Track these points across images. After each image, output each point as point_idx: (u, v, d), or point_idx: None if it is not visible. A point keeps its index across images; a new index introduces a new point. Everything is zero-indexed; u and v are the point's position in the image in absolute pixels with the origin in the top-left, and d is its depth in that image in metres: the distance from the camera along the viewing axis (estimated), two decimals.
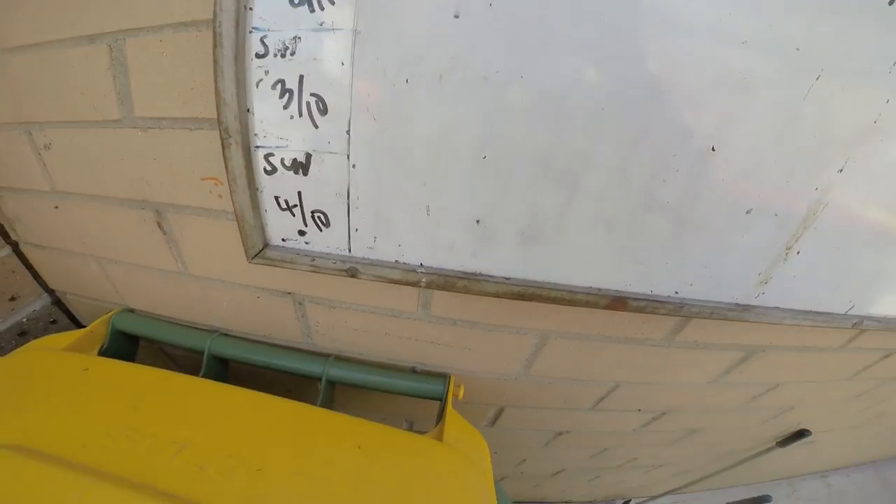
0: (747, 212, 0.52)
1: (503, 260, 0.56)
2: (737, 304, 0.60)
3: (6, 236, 0.90)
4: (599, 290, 0.58)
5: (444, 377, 0.82)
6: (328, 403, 0.81)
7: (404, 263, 0.58)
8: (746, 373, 0.88)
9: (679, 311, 0.59)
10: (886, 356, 0.93)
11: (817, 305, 0.63)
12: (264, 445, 0.65)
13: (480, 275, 0.57)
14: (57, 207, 0.78)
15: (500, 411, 1.02)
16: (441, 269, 0.58)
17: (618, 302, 0.57)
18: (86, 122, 0.64)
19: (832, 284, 0.61)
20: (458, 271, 0.57)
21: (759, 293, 0.60)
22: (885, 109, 0.45)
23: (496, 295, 0.58)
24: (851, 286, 0.62)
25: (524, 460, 1.45)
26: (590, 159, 0.48)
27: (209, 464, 0.60)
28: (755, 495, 1.67)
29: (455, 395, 0.80)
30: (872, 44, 0.42)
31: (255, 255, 0.59)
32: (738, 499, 1.75)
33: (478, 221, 0.53)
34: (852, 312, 0.65)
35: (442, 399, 0.79)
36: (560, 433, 1.16)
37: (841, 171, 0.49)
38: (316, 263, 0.59)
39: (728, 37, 0.41)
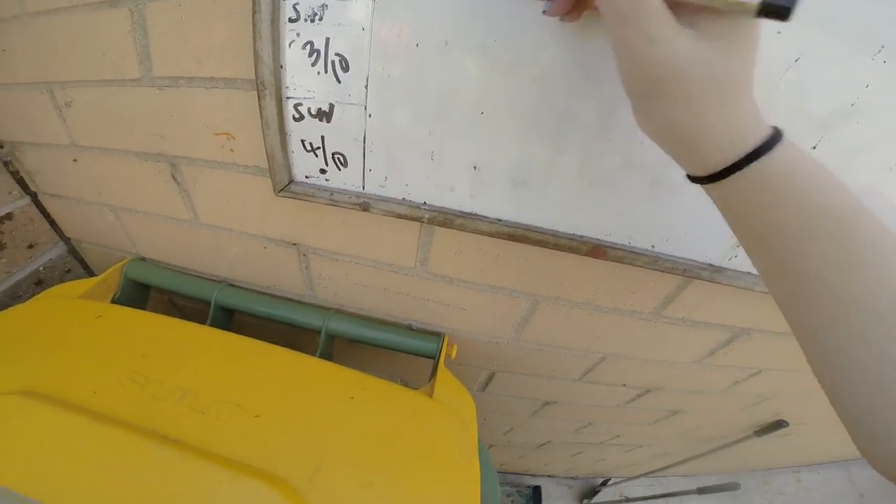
0: None
1: (496, 203, 0.59)
2: (709, 265, 0.61)
3: (25, 187, 0.90)
4: (582, 236, 0.60)
5: (438, 336, 0.82)
6: (327, 356, 0.81)
7: (410, 201, 0.62)
8: (730, 355, 0.86)
9: (654, 263, 0.60)
10: None
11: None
12: (263, 393, 0.65)
13: (476, 215, 0.61)
14: (76, 160, 0.78)
15: (491, 376, 1.01)
16: (442, 207, 0.61)
17: (597, 249, 0.60)
18: (106, 81, 0.64)
19: None
20: (457, 210, 0.61)
21: (731, 256, 0.60)
22: (863, 93, 0.45)
23: (489, 234, 0.60)
24: None
25: (512, 429, 1.45)
26: (574, 119, 0.50)
27: (210, 409, 0.61)
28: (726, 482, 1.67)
29: (448, 355, 0.79)
30: (859, 31, 0.41)
31: (282, 189, 0.63)
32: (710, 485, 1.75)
33: (475, 167, 0.56)
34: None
35: (435, 357, 0.78)
36: (547, 403, 1.16)
37: (815, 147, 0.49)
38: (334, 198, 0.62)
39: None
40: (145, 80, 0.62)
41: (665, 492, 2.16)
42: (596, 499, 2.44)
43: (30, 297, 0.84)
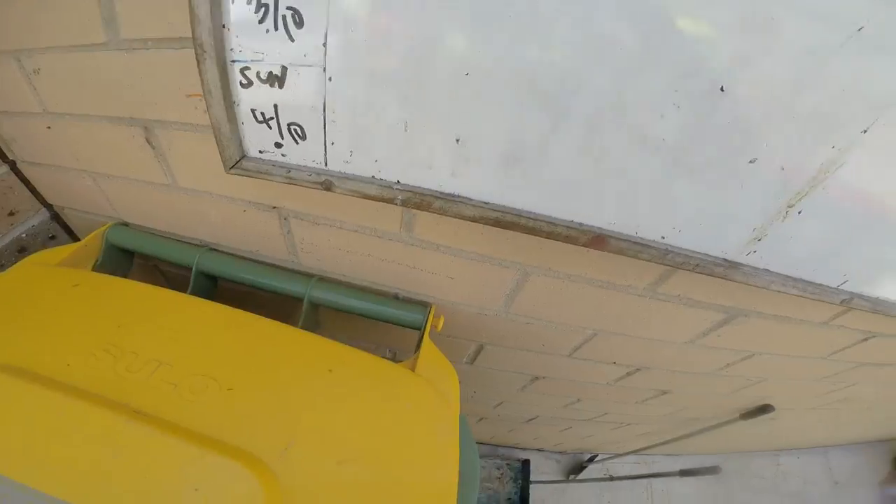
0: (751, 161, 0.45)
1: (482, 183, 0.51)
2: (725, 260, 0.54)
3: (3, 156, 0.85)
4: (581, 224, 0.52)
5: (424, 306, 0.78)
6: (312, 326, 0.78)
7: (381, 179, 0.53)
8: (724, 337, 0.83)
9: (663, 258, 0.53)
10: (865, 339, 0.87)
11: (809, 274, 0.56)
12: (238, 364, 0.62)
13: (458, 196, 0.52)
14: (49, 128, 0.74)
15: (479, 349, 0.99)
16: (418, 187, 0.53)
17: (598, 240, 0.52)
18: (73, 47, 0.60)
19: (829, 253, 0.54)
20: (436, 191, 0.52)
21: (750, 251, 0.53)
22: None
23: (473, 219, 0.53)
24: (849, 259, 0.55)
25: (501, 403, 1.43)
26: (581, 84, 0.42)
27: (183, 382, 0.58)
28: (708, 465, 1.67)
29: (434, 326, 0.76)
30: None
31: (233, 166, 0.56)
32: (692, 467, 1.75)
33: (458, 140, 0.48)
34: (844, 287, 0.57)
35: (421, 329, 0.75)
36: (537, 378, 1.14)
37: (865, 131, 0.42)
38: (291, 175, 0.55)
39: None
40: (112, 44, 0.57)
41: (649, 472, 2.17)
42: (582, 475, 2.46)
43: (12, 265, 0.80)
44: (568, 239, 0.52)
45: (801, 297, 0.57)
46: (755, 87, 0.40)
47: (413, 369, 0.66)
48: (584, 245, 0.52)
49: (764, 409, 1.34)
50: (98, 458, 0.48)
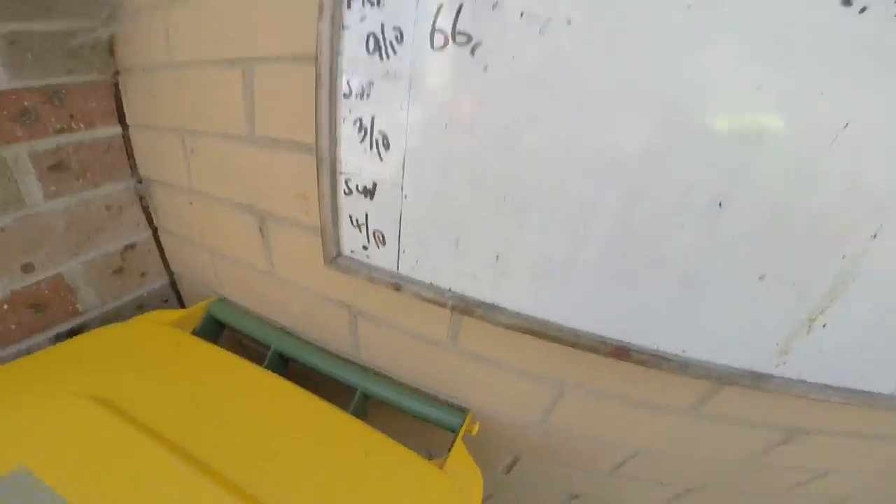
0: (760, 277, 0.47)
1: (517, 295, 0.58)
2: (750, 372, 0.53)
3: (150, 221, 1.06)
4: (603, 337, 0.56)
5: (462, 411, 0.81)
6: (360, 414, 0.84)
7: (437, 286, 0.62)
8: (788, 455, 0.75)
9: (684, 370, 0.54)
10: None
11: (856, 382, 0.53)
12: (288, 435, 0.70)
13: (497, 306, 0.60)
14: (191, 203, 0.91)
15: (515, 459, 0.97)
16: (464, 295, 0.61)
17: (620, 351, 0.55)
18: (222, 135, 0.75)
19: (874, 360, 0.51)
20: (478, 300, 0.60)
21: (778, 363, 0.53)
22: None
23: (508, 326, 0.59)
24: None
25: None
26: (594, 209, 0.48)
27: (238, 440, 0.66)
28: None
29: (469, 431, 0.78)
30: None
31: (331, 261, 0.68)
32: None
33: (497, 257, 0.56)
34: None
35: (456, 432, 0.78)
36: (575, 496, 1.07)
37: (875, 236, 0.41)
38: (372, 275, 0.65)
39: (740, 81, 0.38)
40: (249, 138, 0.72)
41: None
42: None
43: (130, 317, 0.96)
44: (591, 349, 0.56)
45: (847, 404, 0.54)
46: (751, 198, 0.43)
47: (441, 468, 0.68)
48: (607, 355, 0.56)
49: None
50: (148, 491, 0.56)
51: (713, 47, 0.38)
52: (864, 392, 0.54)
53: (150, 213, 1.04)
